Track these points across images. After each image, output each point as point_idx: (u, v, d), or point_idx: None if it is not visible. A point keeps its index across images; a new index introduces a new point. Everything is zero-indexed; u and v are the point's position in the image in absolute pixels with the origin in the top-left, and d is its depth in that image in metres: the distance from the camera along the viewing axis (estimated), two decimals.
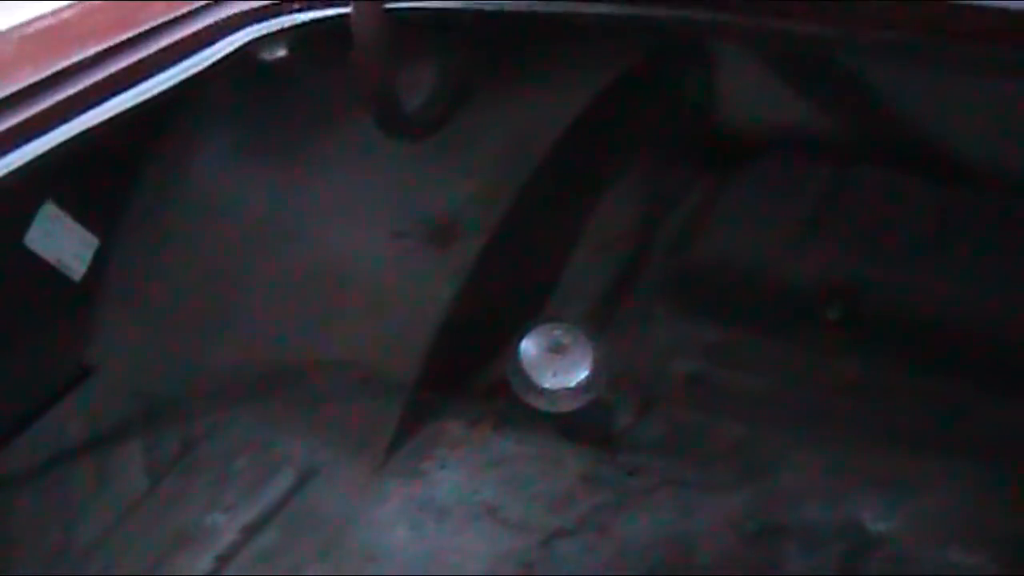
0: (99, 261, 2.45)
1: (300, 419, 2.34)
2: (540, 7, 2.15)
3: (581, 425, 2.26)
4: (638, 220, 2.67)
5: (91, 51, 1.89)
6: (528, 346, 2.22)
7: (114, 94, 1.87)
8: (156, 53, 1.92)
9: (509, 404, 2.28)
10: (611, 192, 2.66)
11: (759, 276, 2.51)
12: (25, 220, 2.27)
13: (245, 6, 2.04)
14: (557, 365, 2.21)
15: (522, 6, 2.13)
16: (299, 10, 2.06)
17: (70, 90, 1.84)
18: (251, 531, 2.17)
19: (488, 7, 2.10)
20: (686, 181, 2.75)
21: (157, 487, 2.27)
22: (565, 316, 2.42)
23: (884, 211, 2.58)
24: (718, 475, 2.20)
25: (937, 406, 2.28)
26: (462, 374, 2.41)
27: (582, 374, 2.20)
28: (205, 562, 2.12)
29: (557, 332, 2.23)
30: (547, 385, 2.20)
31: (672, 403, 2.35)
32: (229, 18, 2.01)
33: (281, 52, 2.06)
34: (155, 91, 1.91)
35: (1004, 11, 1.75)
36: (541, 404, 2.21)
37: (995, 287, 2.38)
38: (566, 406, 2.21)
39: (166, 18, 1.97)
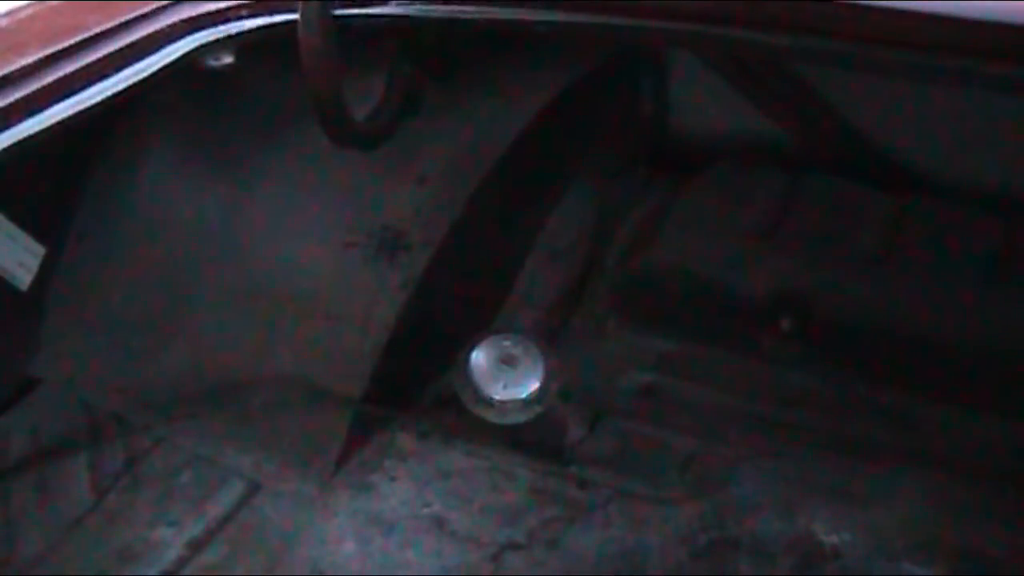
0: (45, 270, 2.42)
1: (247, 433, 2.31)
2: (491, 14, 2.13)
3: (531, 438, 2.25)
4: (589, 229, 2.65)
5: (34, 56, 1.85)
6: (478, 357, 2.20)
7: (58, 100, 1.83)
8: (101, 59, 1.88)
9: (459, 416, 2.26)
10: (562, 201, 2.65)
11: (711, 286, 2.49)
12: None
13: (192, 12, 2.01)
14: (507, 377, 2.19)
15: (473, 13, 2.10)
16: (246, 16, 2.02)
17: (12, 96, 1.80)
18: (197, 546, 2.14)
19: (437, 14, 2.07)
20: (638, 190, 2.74)
21: (102, 501, 2.23)
22: (516, 327, 2.40)
23: (836, 220, 2.57)
24: (669, 488, 2.19)
25: (889, 417, 2.29)
26: (411, 386, 2.39)
27: (532, 386, 2.18)
28: None
29: (507, 343, 2.21)
30: (497, 397, 2.18)
31: (623, 416, 2.34)
32: (175, 24, 1.97)
33: (228, 59, 2.03)
34: (99, 97, 1.86)
35: (958, 20, 1.75)
36: (491, 416, 2.19)
37: (947, 297, 2.38)
38: (516, 418, 2.19)
39: (111, 24, 1.94)
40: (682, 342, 2.45)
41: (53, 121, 1.81)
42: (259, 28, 2.03)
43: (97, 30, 1.92)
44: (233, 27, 2.02)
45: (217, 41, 2.01)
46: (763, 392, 2.36)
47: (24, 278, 2.38)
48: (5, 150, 1.76)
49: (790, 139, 2.75)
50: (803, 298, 2.45)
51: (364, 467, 2.25)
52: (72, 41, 1.89)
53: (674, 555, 2.08)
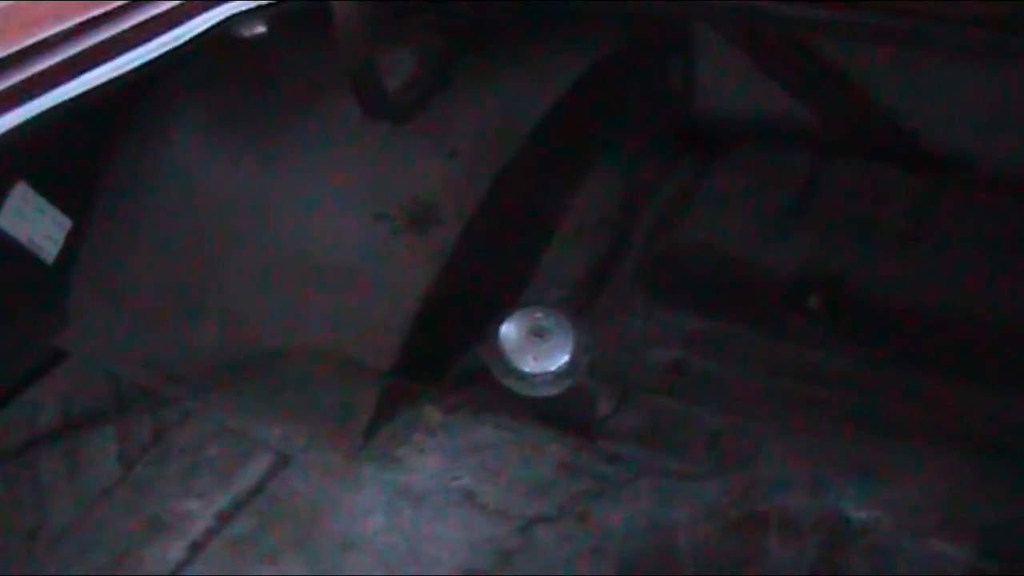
0: (73, 243, 2.43)
1: (275, 405, 2.31)
2: None
3: (561, 412, 2.24)
4: (618, 207, 2.65)
5: (63, 26, 1.85)
6: (508, 330, 2.19)
7: (87, 69, 1.83)
8: (131, 28, 1.88)
9: (488, 390, 2.25)
10: (591, 178, 2.64)
11: (739, 265, 2.49)
12: None
13: None
14: (538, 349, 2.18)
15: None
16: None
17: (41, 65, 1.80)
18: (225, 518, 2.14)
19: None
20: (666, 168, 2.74)
21: (130, 473, 2.24)
22: (547, 301, 2.39)
23: (863, 200, 2.57)
24: (697, 464, 2.19)
25: (917, 395, 2.28)
26: (441, 359, 2.39)
27: (563, 359, 2.17)
28: (178, 549, 2.09)
29: (538, 316, 2.20)
30: (527, 369, 2.17)
31: (651, 392, 2.33)
32: None
33: (260, 29, 2.03)
34: (129, 67, 1.87)
35: None
36: (521, 388, 2.18)
37: (974, 277, 2.38)
38: (546, 391, 2.19)
39: None
40: (709, 320, 2.44)
41: (82, 91, 1.82)
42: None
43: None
44: None
45: (250, 11, 2.01)
46: (790, 370, 2.35)
47: (51, 250, 2.39)
48: (36, 118, 1.76)
49: (817, 119, 2.75)
50: (831, 277, 2.45)
51: (393, 440, 2.24)
52: (106, 9, 1.89)
53: (702, 530, 2.07)
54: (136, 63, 1.89)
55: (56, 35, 1.84)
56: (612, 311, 2.49)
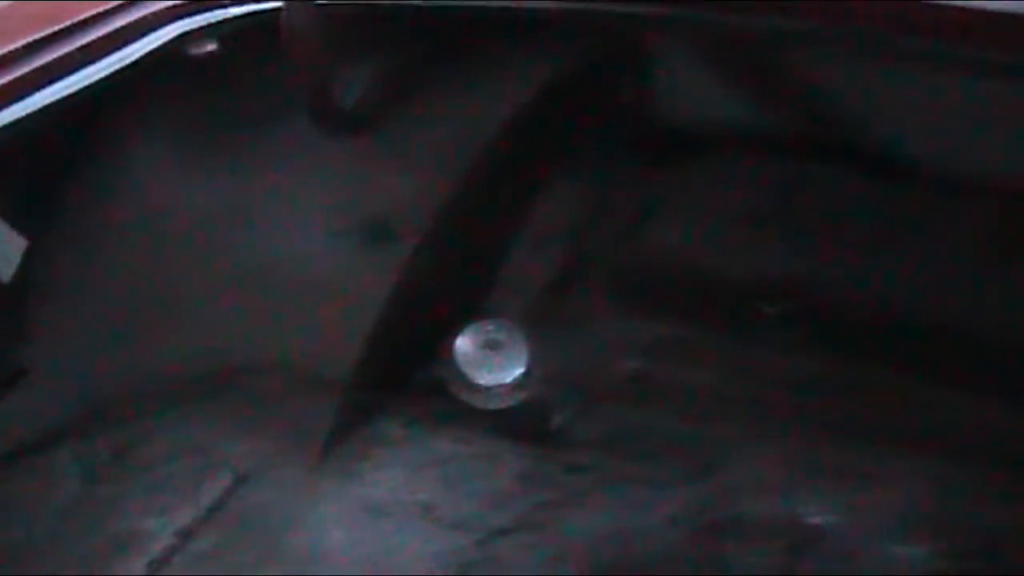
0: (32, 260, 2.41)
1: (236, 421, 2.31)
2: (477, 1, 2.14)
3: (519, 423, 2.25)
4: (579, 217, 2.65)
5: (17, 44, 1.85)
6: (463, 343, 2.21)
7: (40, 87, 1.83)
8: (82, 48, 1.89)
9: (446, 403, 2.27)
10: (552, 188, 2.64)
11: (701, 273, 2.50)
12: None
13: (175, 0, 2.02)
14: (492, 362, 2.20)
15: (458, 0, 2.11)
16: (230, 4, 2.03)
17: None
18: (186, 535, 2.13)
19: (422, 1, 2.08)
20: (628, 178, 2.74)
21: (91, 491, 2.23)
22: (505, 314, 2.40)
23: (830, 207, 2.58)
24: (660, 472, 2.19)
25: (880, 399, 2.29)
26: (399, 373, 2.39)
27: (518, 370, 2.19)
28: (139, 566, 2.08)
29: (491, 328, 2.22)
30: (482, 382, 2.19)
31: (614, 400, 2.34)
32: (158, 12, 1.98)
33: (211, 47, 2.03)
34: (82, 84, 1.87)
35: (955, 7, 1.76)
36: (477, 401, 2.20)
37: (936, 281, 2.39)
38: (502, 403, 2.20)
39: (93, 12, 1.94)
40: (673, 327, 2.44)
41: (33, 110, 1.82)
42: (243, 16, 2.04)
43: (79, 18, 1.92)
44: (216, 15, 2.04)
45: (200, 29, 2.01)
46: (755, 376, 2.36)
47: (6, 271, 2.38)
48: None
49: (781, 128, 2.75)
50: (796, 283, 2.45)
51: (352, 454, 2.24)
52: (54, 29, 1.89)
53: (665, 538, 2.08)
54: (89, 80, 1.89)
55: (5, 55, 1.84)
56: (574, 321, 2.50)
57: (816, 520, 2.09)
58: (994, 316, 2.34)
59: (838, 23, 1.93)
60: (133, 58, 1.93)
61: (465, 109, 2.47)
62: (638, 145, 2.78)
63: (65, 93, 1.86)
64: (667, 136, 2.76)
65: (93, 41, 1.90)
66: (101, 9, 1.95)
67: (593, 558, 2.06)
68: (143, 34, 1.95)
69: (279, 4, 1.95)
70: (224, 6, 2.03)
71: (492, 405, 2.21)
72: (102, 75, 1.90)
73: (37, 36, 1.87)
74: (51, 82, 1.84)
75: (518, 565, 2.05)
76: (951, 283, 2.39)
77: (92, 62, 1.89)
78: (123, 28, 1.94)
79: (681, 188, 2.66)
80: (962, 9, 1.82)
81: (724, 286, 2.47)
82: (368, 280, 2.35)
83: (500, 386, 2.19)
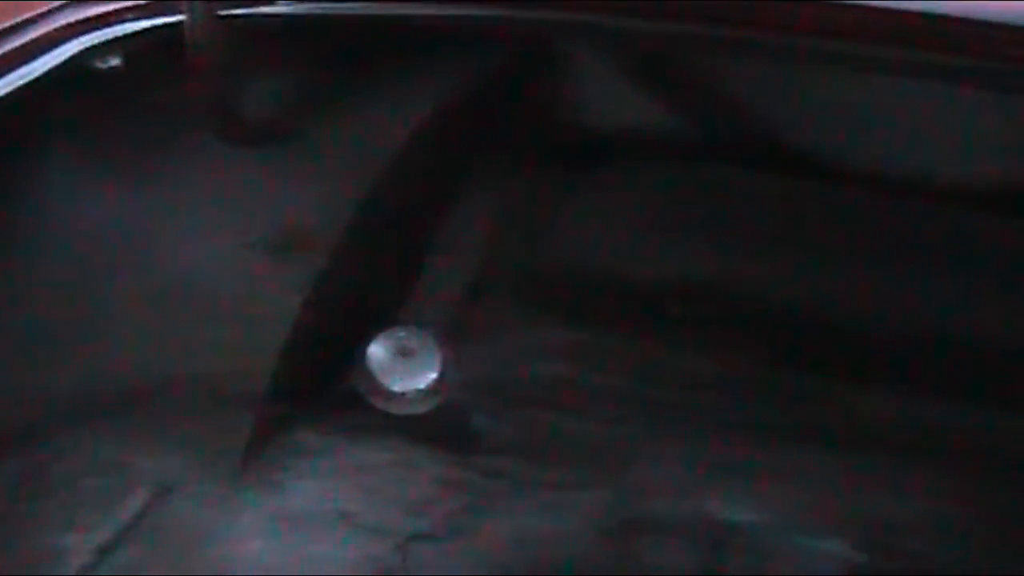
0: None
1: (153, 436, 2.30)
2: (383, 11, 2.15)
3: (436, 429, 2.27)
4: (491, 224, 2.67)
5: None
6: (375, 351, 2.22)
7: None
8: None
9: (363, 412, 2.28)
10: (463, 196, 2.65)
11: (611, 277, 2.53)
12: None
13: (78, 15, 2.01)
14: (404, 368, 2.21)
15: (363, 11, 2.12)
16: (133, 19, 2.03)
17: None
18: (106, 551, 2.12)
19: (324, 12, 2.09)
20: (539, 184, 2.76)
21: (9, 509, 2.21)
22: (419, 321, 2.41)
23: (732, 208, 2.61)
24: (575, 475, 2.22)
25: (789, 396, 2.33)
26: (315, 384, 2.39)
27: (431, 376, 2.21)
28: None
29: (402, 335, 2.24)
30: (396, 388, 2.21)
31: (527, 405, 2.36)
32: (61, 28, 1.97)
33: (115, 61, 2.03)
34: None
35: (851, 7, 1.79)
36: (391, 408, 2.21)
37: (837, 279, 2.43)
38: (417, 409, 2.22)
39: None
40: (583, 332, 2.47)
41: None
42: (146, 30, 2.04)
43: None
44: (120, 29, 2.02)
45: (104, 44, 2.01)
46: (665, 378, 2.39)
47: None
48: None
49: (690, 133, 2.78)
50: (703, 286, 2.49)
51: (270, 466, 2.25)
52: None
53: (582, 541, 2.11)
54: None
55: None
56: (487, 327, 2.51)
57: (729, 517, 2.12)
58: (892, 310, 2.39)
59: (746, 28, 1.95)
60: (37, 74, 1.92)
61: (374, 118, 2.47)
62: (549, 152, 2.80)
63: None
64: (578, 143, 2.78)
65: None
66: (5, 25, 1.94)
67: (511, 562, 2.08)
68: (47, 50, 1.95)
69: (184, 18, 1.95)
70: (128, 20, 2.03)
71: (406, 411, 2.22)
72: (5, 91, 1.89)
73: None
74: None
75: (436, 570, 2.07)
76: (852, 280, 2.43)
77: None
78: (27, 44, 1.93)
79: (591, 194, 2.68)
80: (870, 9, 1.86)
81: (632, 290, 2.50)
82: (280, 292, 2.35)
83: (414, 392, 2.21)
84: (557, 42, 2.74)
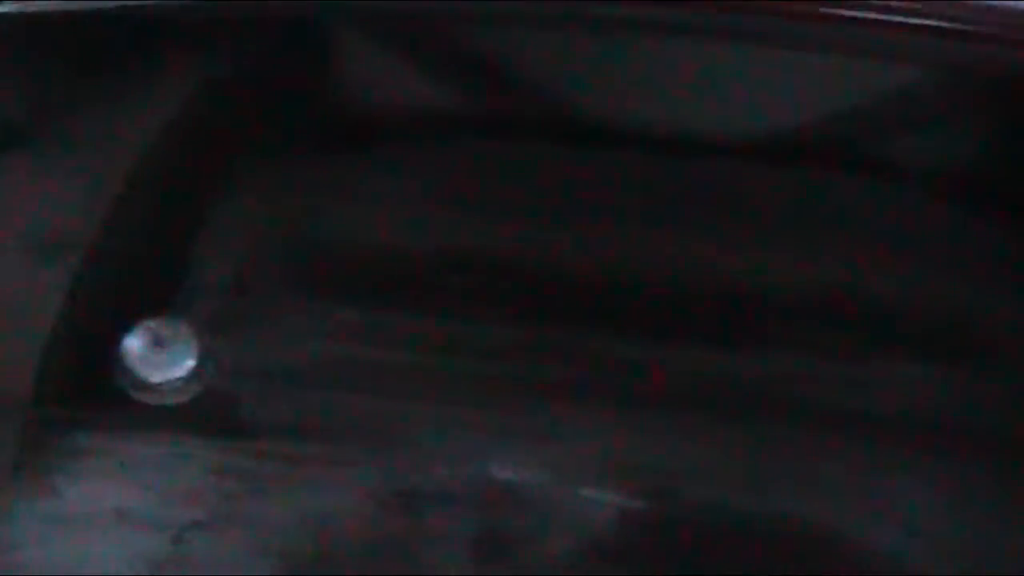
0: None
1: None
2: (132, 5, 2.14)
3: (204, 418, 2.26)
4: (259, 209, 2.65)
5: None
6: (130, 344, 2.21)
7: None
8: None
9: (131, 408, 2.26)
10: (230, 184, 2.64)
11: (388, 254, 2.53)
12: None
13: None
14: (161, 359, 2.20)
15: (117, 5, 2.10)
16: None
17: None
18: None
19: (77, 8, 2.07)
20: (309, 166, 2.74)
21: None
22: (186, 312, 2.39)
23: (515, 179, 2.62)
24: (349, 451, 2.22)
25: (571, 357, 2.35)
26: (82, 384, 2.36)
27: (187, 365, 2.20)
28: None
29: (153, 327, 2.22)
30: (154, 380, 2.19)
31: (297, 386, 2.36)
32: None
33: None
34: None
35: None
36: (152, 399, 2.21)
37: (616, 239, 2.46)
38: (178, 398, 2.21)
39: None
40: (359, 309, 2.47)
41: None
42: None
43: None
44: None
45: None
46: (445, 348, 2.40)
47: None
48: None
49: (471, 108, 2.79)
50: (480, 255, 2.50)
51: (42, 470, 2.21)
52: None
53: (361, 516, 2.11)
54: None
55: None
56: (255, 311, 2.49)
57: (509, 477, 2.14)
58: (667, 267, 2.43)
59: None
60: None
61: (133, 112, 2.45)
62: (319, 134, 2.79)
63: None
64: (351, 123, 2.78)
65: None
66: None
67: (291, 543, 2.08)
68: None
69: None
70: None
71: (167, 401, 2.21)
72: None
73: None
74: None
75: (211, 556, 2.06)
76: (630, 240, 2.46)
77: None
78: None
79: (365, 172, 2.67)
80: None
81: (409, 264, 2.50)
82: (41, 295, 2.32)
83: (170, 381, 2.20)
84: (333, 23, 2.73)
